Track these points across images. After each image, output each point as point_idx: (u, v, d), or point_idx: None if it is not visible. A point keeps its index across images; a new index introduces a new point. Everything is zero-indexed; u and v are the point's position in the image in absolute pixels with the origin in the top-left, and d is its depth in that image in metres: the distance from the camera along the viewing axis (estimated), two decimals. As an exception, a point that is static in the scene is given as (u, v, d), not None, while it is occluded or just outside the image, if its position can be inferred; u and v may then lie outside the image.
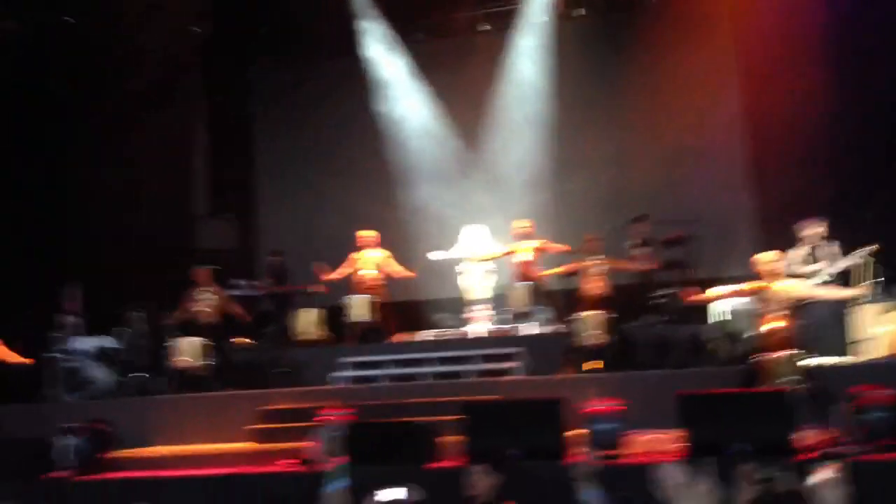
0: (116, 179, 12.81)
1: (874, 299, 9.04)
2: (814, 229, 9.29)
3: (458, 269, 11.57)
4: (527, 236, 10.86)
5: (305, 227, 14.06)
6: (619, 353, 9.58)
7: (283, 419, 9.13)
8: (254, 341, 11.85)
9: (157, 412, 9.74)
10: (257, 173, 14.89)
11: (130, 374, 10.69)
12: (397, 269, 11.23)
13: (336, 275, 11.17)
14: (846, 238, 9.25)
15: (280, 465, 7.03)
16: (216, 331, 10.50)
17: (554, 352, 9.86)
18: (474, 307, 11.43)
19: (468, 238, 11.65)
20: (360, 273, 11.17)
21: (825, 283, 9.10)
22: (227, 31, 13.88)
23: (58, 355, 10.58)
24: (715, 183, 12.58)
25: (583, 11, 13.39)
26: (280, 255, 12.43)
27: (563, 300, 10.37)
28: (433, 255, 11.69)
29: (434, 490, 4.54)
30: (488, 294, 11.43)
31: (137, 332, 11.03)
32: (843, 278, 9.14)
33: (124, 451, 8.26)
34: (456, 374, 9.84)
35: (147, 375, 10.73)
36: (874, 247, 8.99)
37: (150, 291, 11.45)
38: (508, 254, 10.88)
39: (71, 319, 10.85)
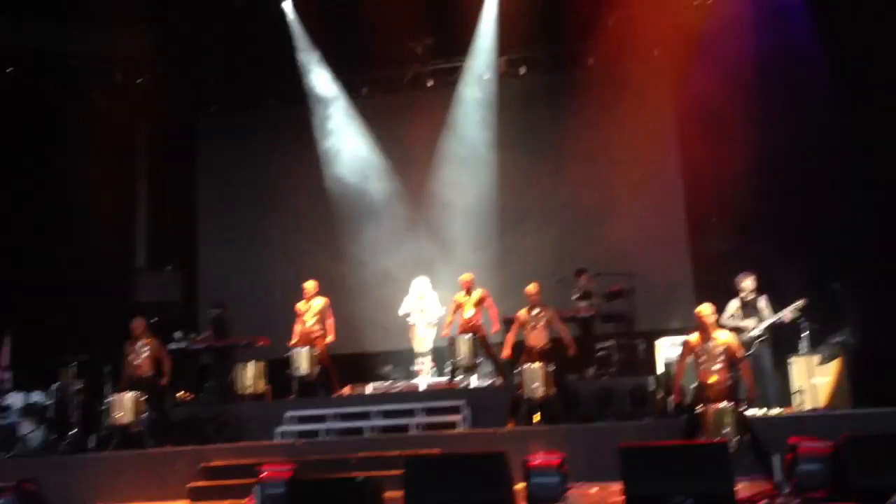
0: (52, 230, 12.61)
1: (813, 350, 9.32)
2: (744, 282, 9.57)
3: (408, 321, 11.55)
4: (469, 290, 10.90)
5: (248, 279, 13.94)
6: (563, 406, 9.62)
7: (224, 476, 8.94)
8: (194, 396, 11.63)
9: (91, 470, 9.44)
10: (200, 224, 14.76)
11: (64, 432, 10.38)
12: (329, 324, 11.13)
13: (295, 336, 11.03)
14: (780, 292, 9.52)
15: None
16: (153, 385, 10.26)
17: (498, 405, 9.86)
18: (419, 360, 11.43)
19: (416, 292, 11.65)
20: (305, 324, 11.06)
21: (757, 337, 9.35)
22: (170, 82, 13.85)
23: (-12, 411, 10.25)
24: (656, 237, 12.85)
25: (524, 70, 13.66)
26: (222, 307, 12.27)
27: (511, 350, 10.36)
28: (402, 310, 11.64)
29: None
30: (429, 346, 11.43)
31: (70, 386, 10.72)
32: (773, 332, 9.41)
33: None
34: (400, 428, 9.77)
35: (79, 432, 10.43)
36: (802, 301, 9.27)
37: (87, 345, 11.19)
38: (457, 308, 10.89)
39: (2, 374, 10.53)
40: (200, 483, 9.01)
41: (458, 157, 13.64)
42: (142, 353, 10.31)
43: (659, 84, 12.97)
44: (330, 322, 11.10)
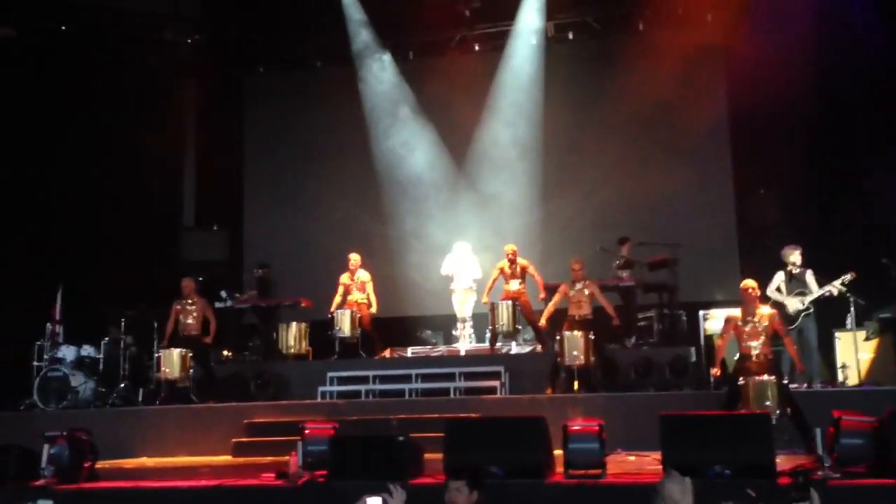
0: (103, 189, 12.85)
1: (859, 325, 9.20)
2: (791, 255, 9.42)
3: (450, 286, 11.61)
4: (513, 261, 10.88)
5: (292, 241, 14.07)
6: (602, 375, 9.63)
7: (266, 433, 9.14)
8: (238, 354, 11.85)
9: (140, 424, 9.73)
10: (245, 185, 14.91)
11: (113, 385, 10.67)
12: (371, 296, 11.23)
13: (334, 306, 11.14)
14: (827, 265, 9.38)
15: (262, 479, 7.02)
16: (199, 342, 10.48)
17: (537, 372, 9.91)
18: (460, 325, 11.50)
19: (458, 255, 11.70)
20: (348, 296, 11.17)
21: (803, 311, 9.23)
22: (217, 41, 13.93)
23: (42, 364, 10.55)
24: (702, 207, 12.72)
25: (572, 35, 13.48)
26: (266, 268, 12.44)
27: (548, 320, 10.39)
28: (444, 270, 11.69)
29: (415, 506, 4.56)
30: (470, 312, 11.48)
31: (119, 341, 11.00)
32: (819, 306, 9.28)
33: (107, 461, 8.23)
34: (440, 391, 9.87)
35: (128, 386, 10.72)
36: (850, 275, 9.12)
37: (135, 302, 11.45)
38: (499, 274, 10.90)
39: (55, 328, 10.83)
40: (244, 439, 9.23)
41: (503, 123, 13.55)
42: (190, 311, 10.51)
43: (711, 51, 12.72)
44: (373, 298, 11.19)
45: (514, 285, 10.79)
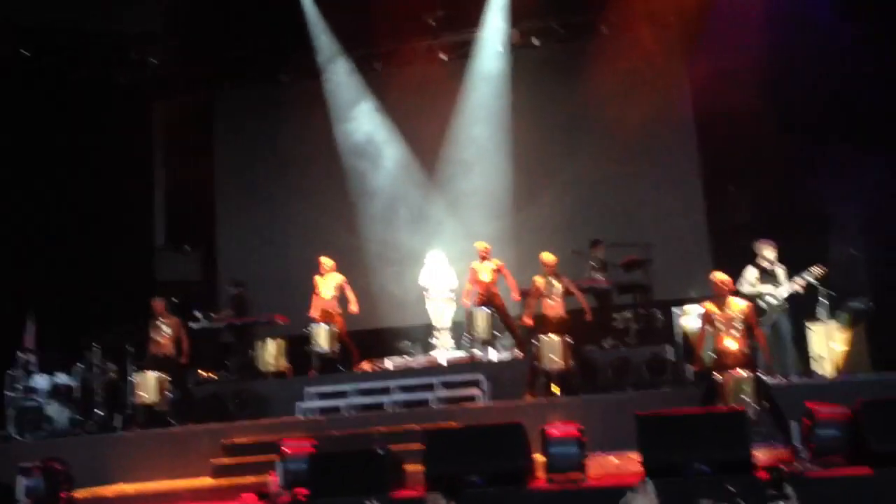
0: (73, 212, 12.73)
1: (831, 317, 9.28)
2: (764, 249, 9.49)
3: (424, 294, 11.61)
4: (485, 258, 10.94)
5: (266, 256, 14.01)
6: (581, 377, 9.66)
7: (246, 453, 9.06)
8: (216, 374, 11.76)
9: (117, 449, 9.61)
10: (217, 202, 14.82)
11: (89, 412, 10.55)
12: (351, 297, 11.20)
13: (315, 310, 11.08)
14: (797, 260, 9.46)
15: (243, 500, 6.97)
16: (175, 364, 10.38)
17: (516, 377, 9.92)
18: (437, 334, 11.49)
19: (432, 264, 11.70)
20: (321, 298, 11.13)
21: (776, 306, 9.30)
22: (185, 60, 13.86)
23: (15, 394, 10.41)
24: (672, 207, 12.80)
25: (537, 41, 13.56)
26: (241, 285, 12.37)
27: (532, 318, 10.40)
28: (421, 281, 11.69)
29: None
30: (448, 321, 11.49)
31: (94, 367, 10.88)
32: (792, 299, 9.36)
33: (86, 490, 8.14)
34: (420, 402, 9.85)
35: (104, 412, 10.60)
36: (819, 268, 9.20)
37: (109, 325, 11.32)
38: (473, 276, 10.93)
39: (28, 356, 10.69)
40: (223, 460, 9.14)
41: (472, 130, 13.57)
42: (163, 332, 10.41)
43: (674, 52, 12.83)
44: (352, 296, 11.13)
45: (486, 278, 10.78)
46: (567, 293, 10.08)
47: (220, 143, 14.97)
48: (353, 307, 11.10)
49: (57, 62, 12.84)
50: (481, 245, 11.00)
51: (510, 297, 10.92)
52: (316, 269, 11.38)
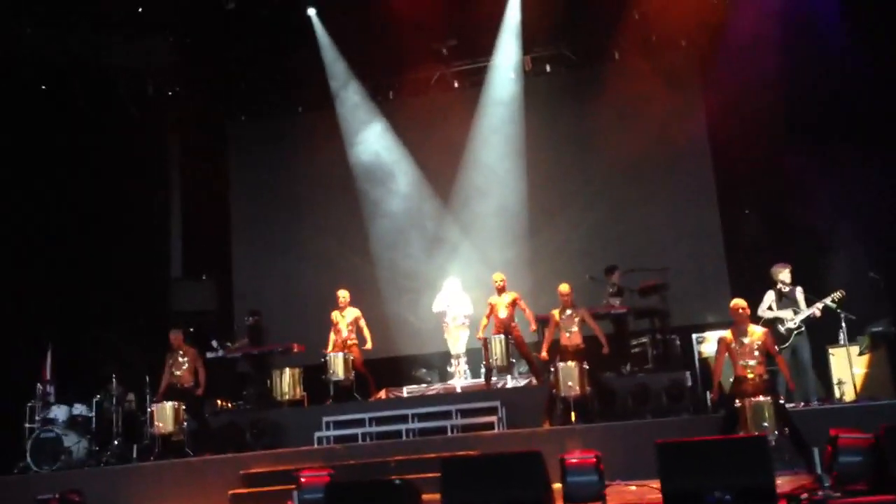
0: (89, 244, 12.82)
1: (852, 341, 9.19)
2: (780, 273, 9.44)
3: (442, 322, 11.58)
4: (502, 290, 10.89)
5: (282, 286, 14.05)
6: (599, 404, 9.58)
7: (263, 483, 9.05)
8: (233, 404, 11.76)
9: (134, 480, 9.61)
10: (233, 233, 14.90)
11: (107, 443, 10.56)
12: (365, 331, 11.20)
13: (330, 344, 11.11)
14: (816, 283, 9.40)
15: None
16: (192, 394, 10.39)
17: (533, 405, 9.85)
18: (454, 361, 11.46)
19: (448, 291, 11.68)
20: (340, 333, 11.14)
21: (795, 329, 9.22)
22: (199, 92, 13.99)
23: (34, 425, 10.45)
24: (688, 231, 12.76)
25: (549, 68, 13.62)
26: (257, 315, 12.38)
27: (548, 350, 10.33)
28: (436, 308, 11.68)
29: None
30: (463, 347, 11.45)
31: (111, 398, 10.90)
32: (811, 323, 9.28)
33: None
34: (437, 430, 9.79)
35: (122, 443, 10.60)
36: (839, 293, 9.13)
37: (126, 356, 11.37)
38: (489, 312, 10.89)
39: (46, 388, 10.74)
40: (241, 490, 9.12)
41: (486, 157, 13.60)
42: (181, 363, 10.43)
43: (687, 75, 12.88)
44: (367, 334, 11.15)
45: (504, 314, 10.76)
46: (583, 324, 9.99)
47: (235, 174, 15.06)
48: (368, 345, 11.12)
49: (69, 95, 12.96)
50: (498, 277, 10.94)
51: (528, 328, 10.86)
52: (331, 296, 11.40)
